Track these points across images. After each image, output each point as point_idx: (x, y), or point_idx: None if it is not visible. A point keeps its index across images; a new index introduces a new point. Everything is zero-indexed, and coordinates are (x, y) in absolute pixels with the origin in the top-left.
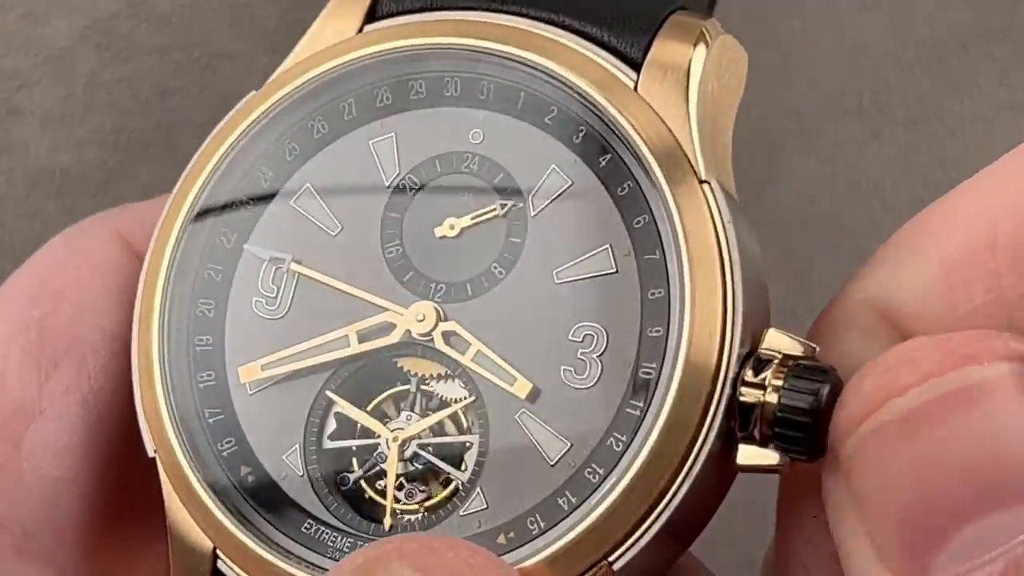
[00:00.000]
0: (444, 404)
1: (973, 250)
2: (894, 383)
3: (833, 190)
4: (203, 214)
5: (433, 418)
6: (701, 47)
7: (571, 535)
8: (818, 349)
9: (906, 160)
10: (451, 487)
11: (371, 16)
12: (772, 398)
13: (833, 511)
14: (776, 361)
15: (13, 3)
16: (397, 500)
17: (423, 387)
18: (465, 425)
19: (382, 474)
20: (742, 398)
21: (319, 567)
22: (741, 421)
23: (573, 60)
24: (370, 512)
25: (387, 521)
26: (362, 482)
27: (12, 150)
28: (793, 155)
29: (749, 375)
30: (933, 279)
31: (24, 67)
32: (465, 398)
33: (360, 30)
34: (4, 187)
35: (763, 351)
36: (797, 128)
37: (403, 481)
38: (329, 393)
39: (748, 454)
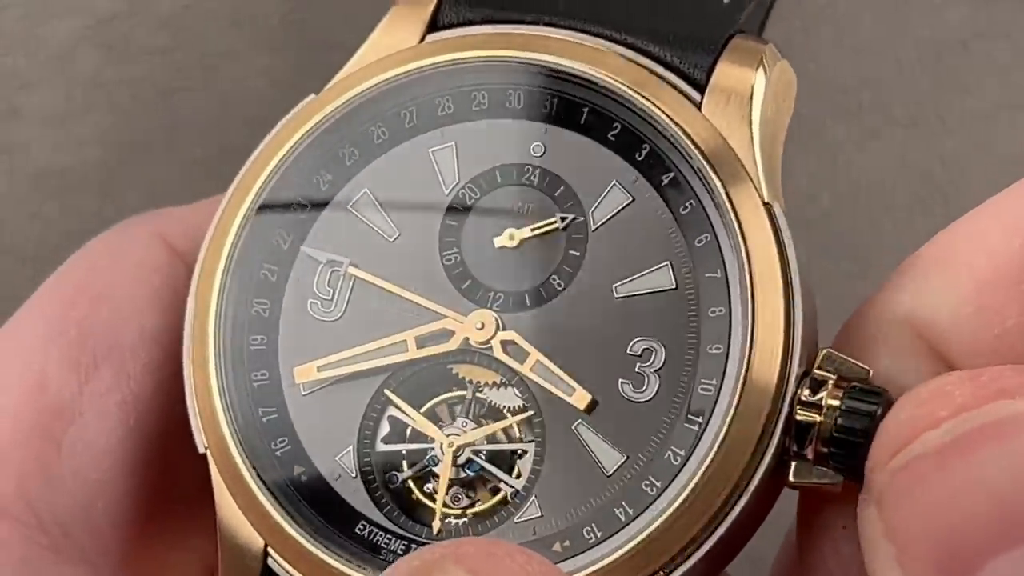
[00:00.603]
0: (499, 412)
1: (1006, 269)
2: (928, 416)
3: (833, 190)
4: (261, 215)
5: (492, 427)
6: (762, 72)
7: (628, 546)
8: (870, 371)
9: (906, 160)
10: (501, 495)
11: (432, 26)
12: (828, 418)
13: (867, 543)
14: (831, 382)
15: (13, 3)
16: (447, 504)
17: (478, 395)
18: (520, 434)
19: (432, 477)
20: (799, 417)
21: (372, 568)
22: (797, 440)
23: (638, 78)
24: (419, 515)
25: (436, 525)
26: (411, 483)
27: (12, 150)
28: (793, 155)
29: (806, 395)
30: (966, 298)
31: (24, 67)
32: (522, 408)
33: (422, 39)
34: (4, 187)
35: (817, 372)
36: (797, 128)
37: (454, 485)
38: (388, 392)
39: (801, 472)
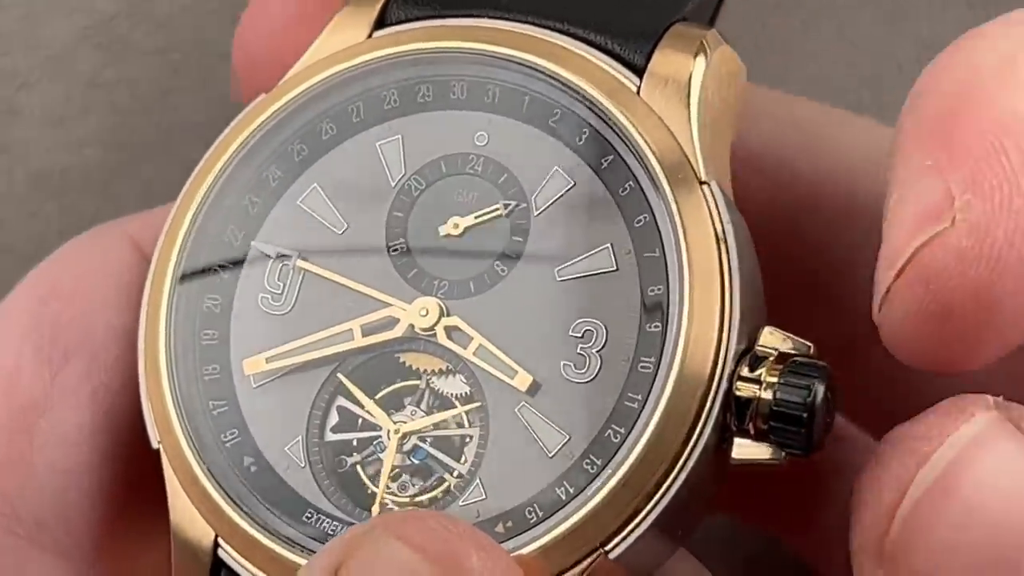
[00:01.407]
0: (446, 400)
1: None
2: (916, 455)
3: None
4: (212, 211)
5: (438, 416)
6: (701, 58)
7: (568, 523)
8: (812, 348)
9: None
10: (445, 484)
11: (380, 24)
12: (767, 394)
13: None
14: (772, 358)
15: (13, 3)
16: (389, 490)
17: (430, 384)
18: (467, 419)
19: (379, 463)
20: (738, 393)
21: None
22: (737, 416)
23: (577, 65)
24: (364, 501)
25: (375, 509)
26: (359, 469)
27: (12, 150)
28: None
29: (745, 371)
30: None
31: (24, 67)
32: (468, 394)
33: (369, 37)
34: (4, 187)
35: (759, 348)
36: None
37: (401, 473)
38: (341, 376)
39: (743, 449)
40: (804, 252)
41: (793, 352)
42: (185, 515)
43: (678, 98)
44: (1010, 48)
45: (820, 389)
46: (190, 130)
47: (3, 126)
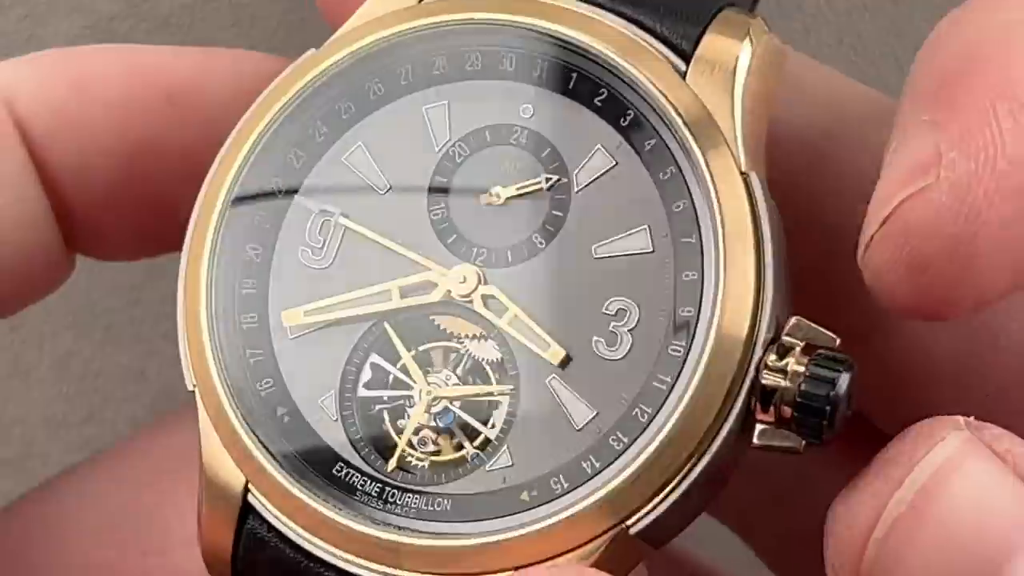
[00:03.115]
0: (479, 365)
1: None
2: (889, 480)
3: None
4: (258, 161)
5: (471, 389)
6: (748, 44)
7: (592, 498)
8: (838, 340)
9: None
10: (471, 447)
11: None
12: (792, 384)
13: None
14: (799, 348)
15: (13, 3)
16: (411, 445)
17: (465, 349)
18: (497, 386)
19: (406, 420)
20: (764, 381)
21: (348, 508)
22: (761, 403)
23: (626, 46)
24: (385, 452)
25: (391, 463)
26: (387, 423)
27: None
28: None
29: (773, 359)
30: None
31: None
32: (500, 360)
33: (419, 2)
34: None
35: (786, 338)
36: None
37: (425, 431)
38: (387, 325)
39: (765, 434)
40: (823, 236)
41: (818, 344)
42: (217, 458)
43: (723, 85)
44: (1015, 16)
45: (844, 383)
46: None
47: None
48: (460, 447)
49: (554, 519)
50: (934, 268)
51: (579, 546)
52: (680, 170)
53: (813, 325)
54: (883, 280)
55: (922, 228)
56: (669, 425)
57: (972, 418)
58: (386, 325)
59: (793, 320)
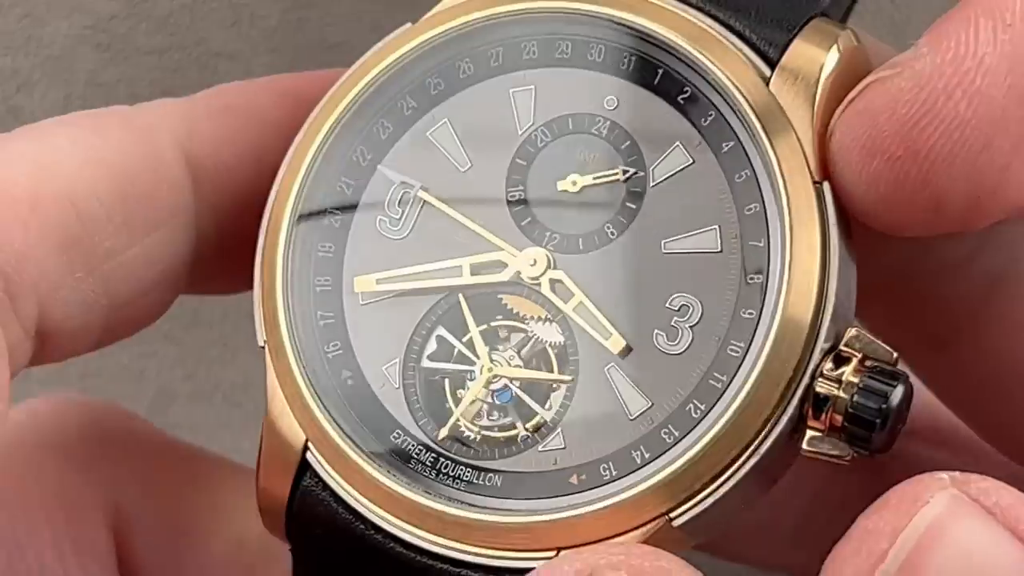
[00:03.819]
0: (542, 347)
1: None
2: (872, 555)
3: None
4: (345, 130)
5: (532, 372)
6: (835, 55)
7: (639, 487)
8: (895, 355)
9: None
10: (525, 427)
11: None
12: (846, 394)
13: None
14: (856, 360)
15: (13, 3)
16: (466, 417)
17: (531, 331)
18: (556, 369)
19: (465, 390)
20: (819, 389)
21: (402, 475)
22: (814, 410)
23: (714, 48)
24: (441, 418)
25: (444, 431)
26: (447, 393)
27: None
28: None
29: (829, 368)
30: None
31: (24, 67)
32: (562, 344)
33: None
34: None
35: (844, 349)
36: None
37: (481, 405)
38: (460, 297)
39: (815, 442)
40: (903, 242)
41: (876, 357)
42: (281, 414)
43: (804, 95)
44: None
45: (897, 397)
46: None
47: (3, 126)
48: (514, 426)
49: (601, 504)
50: (886, 152)
51: (623, 532)
52: (755, 174)
53: (872, 338)
54: (841, 166)
55: (878, 108)
56: (720, 423)
57: (958, 473)
58: (460, 297)
59: (852, 331)
